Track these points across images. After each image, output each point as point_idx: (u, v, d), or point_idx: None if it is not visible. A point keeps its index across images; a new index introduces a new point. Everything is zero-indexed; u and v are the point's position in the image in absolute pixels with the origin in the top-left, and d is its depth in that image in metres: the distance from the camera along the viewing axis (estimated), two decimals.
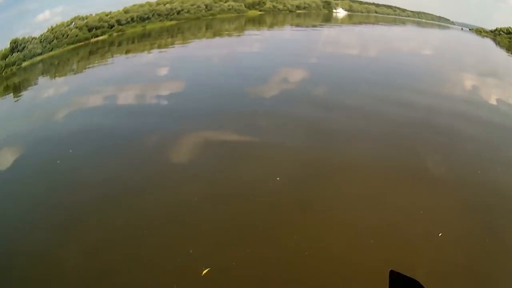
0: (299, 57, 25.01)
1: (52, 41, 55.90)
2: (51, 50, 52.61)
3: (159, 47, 34.98)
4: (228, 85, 18.05)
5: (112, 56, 33.64)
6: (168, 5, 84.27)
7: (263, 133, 12.89)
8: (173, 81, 19.67)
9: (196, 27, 57.81)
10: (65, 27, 61.75)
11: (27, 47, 50.24)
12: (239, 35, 42.08)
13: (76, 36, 58.35)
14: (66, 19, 65.90)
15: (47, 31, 58.79)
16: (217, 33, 44.96)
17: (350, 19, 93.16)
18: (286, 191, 9.39)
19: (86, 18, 66.34)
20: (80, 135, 13.21)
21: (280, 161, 10.71)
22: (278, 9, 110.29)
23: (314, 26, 59.90)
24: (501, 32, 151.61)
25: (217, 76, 20.22)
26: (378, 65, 24.02)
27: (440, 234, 7.68)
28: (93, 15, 67.65)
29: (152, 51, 33.12)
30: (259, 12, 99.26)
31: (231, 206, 8.89)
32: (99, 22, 65.17)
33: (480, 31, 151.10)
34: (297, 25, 60.94)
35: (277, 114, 14.20)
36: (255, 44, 32.35)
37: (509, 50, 63.91)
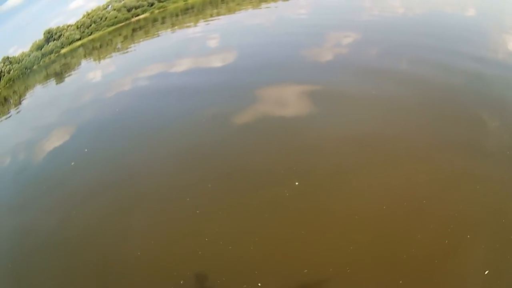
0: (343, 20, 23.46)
1: (90, 25, 55.37)
2: (90, 34, 52.18)
3: (205, 18, 34.55)
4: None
5: (157, 33, 32.74)
6: None
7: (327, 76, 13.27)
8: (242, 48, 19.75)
9: None
10: (102, 11, 61.17)
11: (63, 35, 49.84)
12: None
13: (115, 18, 57.55)
14: (102, 3, 65.16)
15: (83, 17, 58.36)
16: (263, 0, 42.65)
17: None
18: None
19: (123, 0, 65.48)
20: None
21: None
22: None
23: None
24: None
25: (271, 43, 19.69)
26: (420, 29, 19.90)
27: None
28: None
29: (198, 23, 32.23)
30: None
31: None
32: (138, 1, 63.87)
33: None
34: None
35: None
36: (302, 10, 30.23)
37: None
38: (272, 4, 36.46)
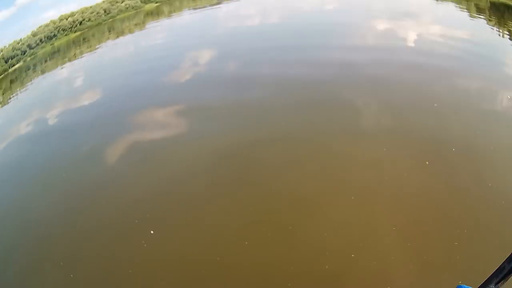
0: (204, 38, 25.46)
1: None
2: None
3: (70, 59, 36.16)
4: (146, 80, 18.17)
5: (31, 81, 34.11)
6: (70, 19, 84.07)
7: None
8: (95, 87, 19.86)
9: (99, 33, 59.43)
10: None
11: None
12: (140, 30, 44.13)
13: None
14: None
15: None
16: (119, 34, 46.87)
17: None
18: None
19: (2, 51, 65.94)
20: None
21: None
22: None
23: (211, 5, 60.08)
24: None
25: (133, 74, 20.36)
26: (284, 30, 23.70)
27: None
28: (7, 46, 67.35)
29: (64, 65, 33.98)
30: (156, 4, 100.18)
31: None
32: (13, 51, 65.06)
33: None
34: (194, 8, 58.95)
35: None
36: (159, 35, 33.77)
37: None
38: (128, 36, 40.78)
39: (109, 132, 12.99)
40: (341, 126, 10.06)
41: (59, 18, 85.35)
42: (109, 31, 56.48)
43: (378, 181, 7.74)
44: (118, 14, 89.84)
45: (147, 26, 48.34)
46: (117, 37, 43.50)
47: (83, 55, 35.47)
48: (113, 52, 31.80)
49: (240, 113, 11.86)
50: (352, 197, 7.55)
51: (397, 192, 7.53)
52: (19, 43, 71.78)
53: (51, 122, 16.75)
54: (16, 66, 62.67)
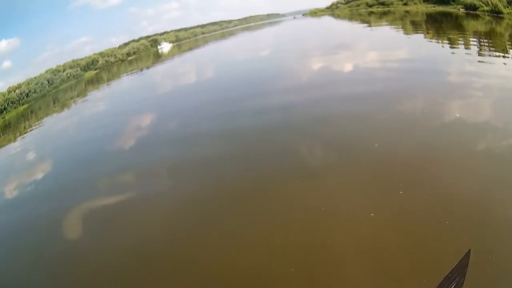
0: (143, 101, 26.44)
1: None
2: None
3: (20, 133, 37.25)
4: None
5: None
6: (17, 91, 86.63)
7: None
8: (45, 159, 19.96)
9: (45, 105, 60.62)
10: None
11: None
12: (83, 99, 46.09)
13: None
14: None
15: None
16: (64, 105, 48.57)
17: (180, 49, 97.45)
18: None
19: None
20: None
21: None
22: (111, 62, 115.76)
23: (147, 67, 62.92)
24: (338, 4, 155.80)
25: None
26: (216, 83, 24.87)
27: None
28: None
29: (16, 139, 34.38)
30: (95, 71, 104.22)
31: None
32: None
33: (315, 12, 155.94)
34: (131, 72, 62.85)
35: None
36: (100, 103, 35.98)
37: (351, 18, 72.62)
38: (73, 106, 43.62)
39: (64, 202, 12.36)
40: (286, 172, 9.67)
41: (7, 90, 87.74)
42: (54, 103, 57.83)
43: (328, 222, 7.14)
44: (61, 84, 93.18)
45: (89, 94, 50.05)
46: (62, 108, 45.51)
47: (32, 128, 36.97)
48: (60, 124, 33.22)
49: (185, 171, 11.81)
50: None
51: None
52: None
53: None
54: None
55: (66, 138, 24.42)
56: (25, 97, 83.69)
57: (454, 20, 37.77)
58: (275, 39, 55.82)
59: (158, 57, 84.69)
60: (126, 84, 46.62)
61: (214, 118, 16.45)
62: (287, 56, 28.41)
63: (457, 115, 10.87)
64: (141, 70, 59.48)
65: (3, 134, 47.61)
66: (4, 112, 74.23)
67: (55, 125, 34.27)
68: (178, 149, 13.84)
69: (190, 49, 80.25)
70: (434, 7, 53.59)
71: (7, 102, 79.79)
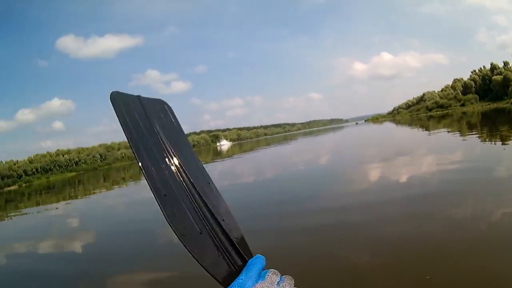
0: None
1: None
2: None
3: (64, 199, 37.95)
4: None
5: (26, 208, 35.95)
6: (66, 156, 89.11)
7: None
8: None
9: (94, 178, 61.33)
10: None
11: None
12: (135, 183, 45.53)
13: None
14: None
15: None
16: (115, 183, 49.40)
17: (241, 148, 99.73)
18: None
19: None
20: None
21: None
22: None
23: (206, 162, 60.81)
24: (399, 110, 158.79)
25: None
26: (278, 186, 23.74)
27: None
28: (3, 162, 71.42)
29: (59, 203, 35.29)
30: None
31: None
32: (9, 171, 68.72)
33: (377, 118, 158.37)
34: None
35: None
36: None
37: (411, 123, 74.13)
38: (123, 187, 43.33)
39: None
40: None
41: (55, 152, 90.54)
42: (104, 179, 58.86)
43: None
44: (113, 162, 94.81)
45: (142, 179, 47.77)
46: (112, 186, 45.84)
47: (78, 197, 37.93)
48: (108, 200, 33.16)
49: None
50: None
51: None
52: (15, 164, 75.72)
53: (33, 261, 15.46)
54: (12, 187, 65.61)
55: (112, 215, 24.38)
56: (73, 164, 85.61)
57: (506, 115, 39.91)
58: (336, 145, 56.05)
59: (217, 154, 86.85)
60: None
61: (270, 218, 15.19)
62: (346, 163, 28.62)
63: None
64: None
65: (45, 194, 48.48)
66: (49, 172, 75.70)
67: (102, 200, 34.27)
68: None
69: (251, 149, 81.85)
70: (489, 104, 52.98)
71: (53, 163, 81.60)
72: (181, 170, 1.22)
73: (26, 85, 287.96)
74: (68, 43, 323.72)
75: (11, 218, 31.43)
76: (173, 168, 1.21)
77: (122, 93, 1.28)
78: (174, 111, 1.48)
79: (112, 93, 1.24)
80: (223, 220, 1.22)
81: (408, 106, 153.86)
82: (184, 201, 1.16)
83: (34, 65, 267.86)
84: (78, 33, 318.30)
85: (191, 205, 1.16)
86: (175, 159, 1.23)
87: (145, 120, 1.25)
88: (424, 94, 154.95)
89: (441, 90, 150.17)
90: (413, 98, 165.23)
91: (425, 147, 30.48)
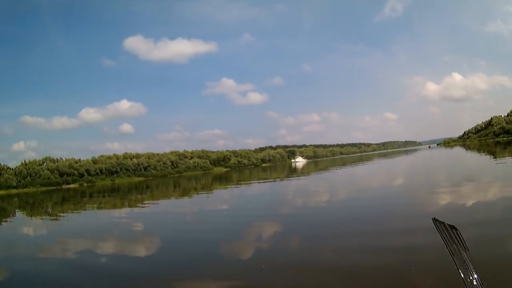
0: (269, 211, 24.87)
1: (26, 177, 58.82)
2: (26, 187, 55.30)
3: (130, 205, 36.66)
4: None
5: (85, 208, 34.90)
6: (134, 160, 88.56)
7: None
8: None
9: (163, 186, 60.74)
10: (37, 166, 64.91)
11: (2, 175, 52.93)
12: (207, 194, 44.15)
13: (48, 178, 61.24)
14: (39, 156, 70.24)
15: (21, 165, 62.56)
16: (185, 193, 47.60)
17: (316, 166, 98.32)
18: None
19: (57, 161, 70.10)
20: None
21: None
22: (244, 164, 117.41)
23: (280, 179, 62.49)
24: (469, 134, 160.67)
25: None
26: (351, 209, 22.54)
27: None
28: (63, 159, 71.96)
29: (123, 208, 34.66)
30: (225, 169, 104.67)
31: None
32: (69, 168, 68.84)
33: (448, 142, 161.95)
34: (264, 180, 62.22)
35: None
36: (224, 202, 33.77)
37: (479, 149, 75.08)
38: (194, 197, 41.23)
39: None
40: None
41: (123, 155, 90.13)
42: (175, 187, 58.13)
43: None
44: (185, 171, 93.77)
45: (215, 190, 49.13)
46: (183, 195, 44.08)
47: (144, 204, 36.43)
48: (177, 209, 31.91)
49: None
50: None
51: None
52: (77, 163, 75.67)
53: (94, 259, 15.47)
54: (71, 185, 65.36)
55: (181, 225, 23.41)
56: (142, 169, 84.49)
57: None
58: (409, 169, 55.68)
59: (292, 171, 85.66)
60: (256, 189, 45.36)
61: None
62: (418, 187, 28.59)
63: None
64: (274, 180, 59.37)
65: (108, 197, 47.40)
66: (115, 175, 75.06)
67: (171, 209, 32.49)
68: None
69: (326, 168, 79.85)
70: None
71: (120, 166, 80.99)
72: None
73: (91, 84, 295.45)
74: (136, 44, 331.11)
75: (67, 216, 30.36)
76: None
77: None
78: None
79: None
80: None
81: (477, 130, 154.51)
82: None
83: (100, 65, 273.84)
84: (147, 34, 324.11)
85: None
86: None
87: None
88: (492, 119, 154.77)
89: (507, 115, 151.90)
90: (482, 122, 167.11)
91: (491, 174, 30.64)
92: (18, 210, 36.12)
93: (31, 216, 31.46)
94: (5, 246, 18.82)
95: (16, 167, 59.50)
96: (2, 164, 55.56)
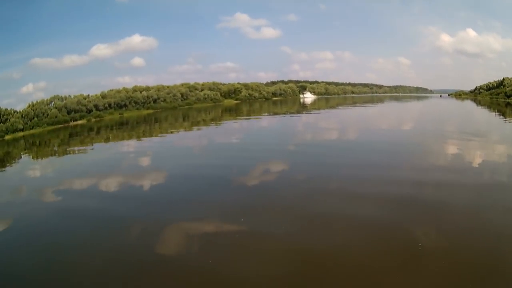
0: (281, 146, 26.21)
1: (33, 118, 58.93)
2: (32, 128, 55.47)
3: (138, 137, 36.74)
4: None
5: (92, 144, 34.66)
6: (144, 93, 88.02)
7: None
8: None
9: (172, 117, 60.71)
10: (45, 106, 64.89)
11: (9, 120, 53.06)
12: (216, 126, 44.61)
13: (56, 117, 61.29)
14: (48, 96, 69.88)
15: (28, 106, 62.13)
16: (194, 124, 47.77)
17: (327, 103, 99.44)
18: None
19: (65, 99, 69.68)
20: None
21: None
22: (254, 97, 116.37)
23: (290, 113, 63.11)
24: (481, 90, 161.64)
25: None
26: (360, 147, 24.67)
27: None
28: (72, 96, 71.38)
29: (130, 140, 34.99)
30: (236, 101, 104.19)
31: None
32: (78, 105, 68.49)
33: (459, 94, 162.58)
34: (273, 113, 63.33)
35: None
36: (232, 134, 34.23)
37: (490, 107, 73.51)
38: (203, 129, 41.25)
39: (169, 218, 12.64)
40: None
41: (132, 88, 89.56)
42: (184, 119, 57.99)
43: None
44: (195, 102, 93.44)
45: (224, 123, 49.08)
46: (191, 127, 43.94)
47: (153, 136, 36.38)
48: (185, 141, 32.19)
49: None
50: None
51: None
52: (85, 98, 75.31)
53: (103, 193, 16.88)
54: (79, 122, 65.45)
55: (189, 158, 23.94)
56: (151, 102, 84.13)
57: None
58: (419, 115, 56.97)
59: (303, 106, 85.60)
60: (266, 123, 46.11)
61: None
62: (427, 134, 29.67)
63: None
64: (284, 114, 60.43)
65: (117, 130, 47.29)
66: (124, 108, 74.96)
67: (179, 141, 32.82)
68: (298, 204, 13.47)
69: (337, 105, 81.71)
70: None
71: (129, 99, 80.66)
72: None
73: (103, 21, 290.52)
74: None
75: (74, 153, 30.12)
76: None
77: None
78: None
79: None
80: None
81: (488, 88, 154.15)
82: None
83: (113, 1, 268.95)
84: None
85: None
86: None
87: None
88: (504, 79, 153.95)
89: None
90: (494, 81, 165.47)
91: (502, 133, 31.28)
92: (24, 152, 35.80)
93: (36, 157, 30.98)
94: (7, 192, 18.91)
95: (23, 109, 58.87)
96: (9, 109, 54.91)
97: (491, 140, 26.28)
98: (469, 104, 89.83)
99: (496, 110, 64.21)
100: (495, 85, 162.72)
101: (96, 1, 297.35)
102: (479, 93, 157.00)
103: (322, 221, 12.07)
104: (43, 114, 61.76)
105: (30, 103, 63.67)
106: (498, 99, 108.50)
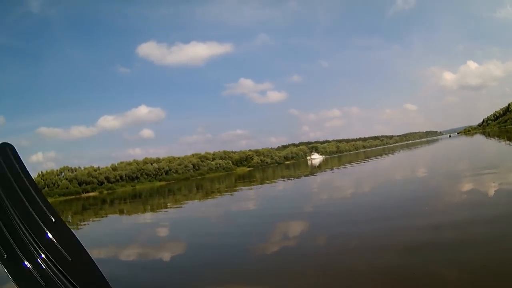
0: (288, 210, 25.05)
1: (43, 188, 59.37)
2: None
3: (153, 210, 37.24)
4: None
5: (106, 215, 35.62)
6: (155, 165, 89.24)
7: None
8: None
9: (186, 189, 61.30)
10: (55, 176, 65.73)
11: None
12: (231, 194, 44.72)
13: (67, 188, 62.04)
14: (57, 166, 70.55)
15: (38, 176, 62.95)
16: (209, 194, 48.31)
17: (340, 161, 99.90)
18: None
19: (75, 171, 70.87)
20: None
21: None
22: (266, 162, 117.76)
23: (305, 175, 63.29)
24: (488, 121, 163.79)
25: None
26: (375, 200, 23.16)
27: None
28: (82, 168, 72.71)
29: (146, 212, 35.52)
30: (248, 168, 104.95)
31: None
32: (88, 177, 69.56)
33: (468, 130, 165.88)
34: (288, 178, 63.07)
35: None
36: (248, 201, 34.23)
37: (499, 136, 77.10)
38: (218, 198, 41.75)
39: None
40: None
41: (143, 161, 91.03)
42: (198, 189, 58.79)
43: None
44: (207, 172, 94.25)
45: (238, 190, 49.72)
46: (207, 197, 44.74)
47: (168, 208, 36.88)
48: (201, 211, 32.57)
49: None
50: None
51: None
52: (95, 171, 76.48)
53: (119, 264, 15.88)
54: (91, 193, 66.11)
55: (207, 227, 23.40)
56: (163, 173, 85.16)
57: None
58: (431, 159, 56.78)
59: (314, 167, 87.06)
60: (281, 187, 46.45)
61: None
62: (440, 177, 29.07)
63: None
64: (298, 177, 60.50)
65: (130, 203, 48.05)
66: (136, 180, 75.73)
67: (196, 211, 33.24)
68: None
69: (350, 162, 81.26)
70: None
71: (140, 172, 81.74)
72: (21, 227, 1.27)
73: (108, 92, 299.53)
74: (150, 50, 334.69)
75: (89, 224, 31.22)
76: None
77: None
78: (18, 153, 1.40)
79: None
80: (71, 266, 1.28)
81: (496, 117, 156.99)
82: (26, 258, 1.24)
83: (115, 73, 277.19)
84: (160, 40, 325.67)
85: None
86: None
87: None
88: (509, 105, 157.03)
89: None
90: (500, 109, 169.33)
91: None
92: None
93: None
94: None
95: (34, 178, 60.36)
96: None
97: (504, 170, 25.94)
98: (478, 139, 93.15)
99: (505, 138, 66.06)
100: (501, 112, 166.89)
101: (98, 72, 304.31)
102: (487, 125, 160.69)
103: (346, 270, 10.88)
104: (54, 185, 62.92)
105: (40, 173, 65.05)
106: (507, 126, 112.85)
